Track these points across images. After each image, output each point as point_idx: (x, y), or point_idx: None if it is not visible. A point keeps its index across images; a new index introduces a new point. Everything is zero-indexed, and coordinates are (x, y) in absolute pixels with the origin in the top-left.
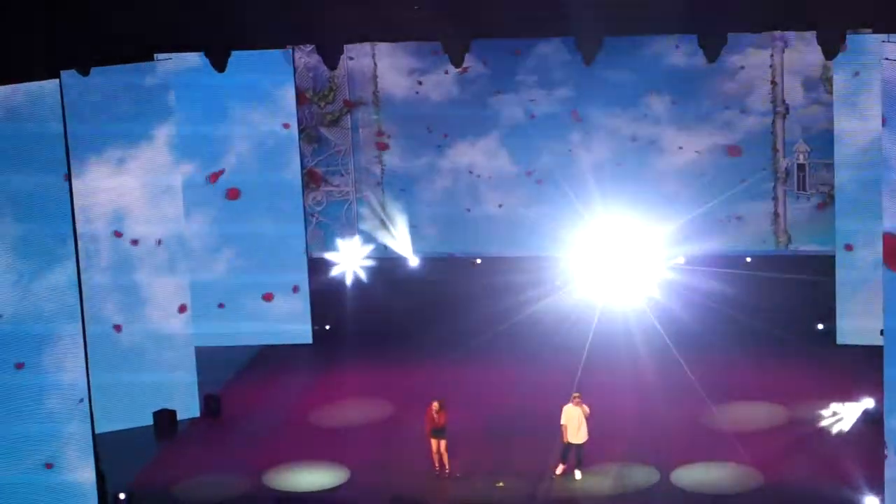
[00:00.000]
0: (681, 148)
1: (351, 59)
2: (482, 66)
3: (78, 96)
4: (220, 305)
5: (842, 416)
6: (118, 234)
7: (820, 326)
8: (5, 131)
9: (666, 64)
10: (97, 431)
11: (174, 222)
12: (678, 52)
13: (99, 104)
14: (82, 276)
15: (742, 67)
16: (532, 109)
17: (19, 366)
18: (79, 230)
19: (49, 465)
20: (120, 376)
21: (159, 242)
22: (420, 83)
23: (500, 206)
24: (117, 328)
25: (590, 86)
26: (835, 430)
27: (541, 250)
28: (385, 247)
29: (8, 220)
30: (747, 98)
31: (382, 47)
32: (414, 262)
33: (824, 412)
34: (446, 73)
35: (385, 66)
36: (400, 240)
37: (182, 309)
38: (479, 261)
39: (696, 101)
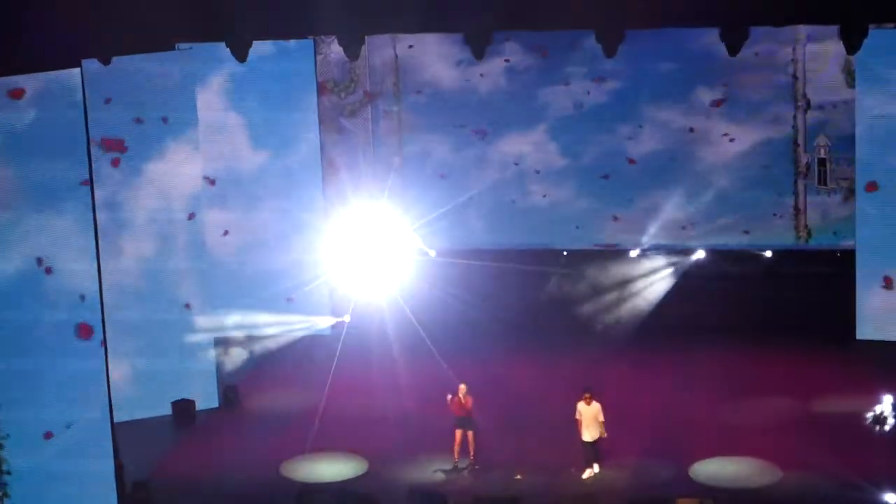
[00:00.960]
0: (732, 140)
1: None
2: (531, 58)
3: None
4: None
5: (885, 414)
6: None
7: (839, 322)
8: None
9: (717, 55)
10: (115, 420)
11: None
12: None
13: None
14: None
15: (793, 60)
16: (581, 101)
17: None
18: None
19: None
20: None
21: (225, 233)
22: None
23: (544, 196)
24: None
25: (640, 77)
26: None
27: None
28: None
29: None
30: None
31: (429, 38)
32: (432, 253)
33: (865, 412)
34: (507, 60)
35: (433, 57)
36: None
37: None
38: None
39: (747, 94)
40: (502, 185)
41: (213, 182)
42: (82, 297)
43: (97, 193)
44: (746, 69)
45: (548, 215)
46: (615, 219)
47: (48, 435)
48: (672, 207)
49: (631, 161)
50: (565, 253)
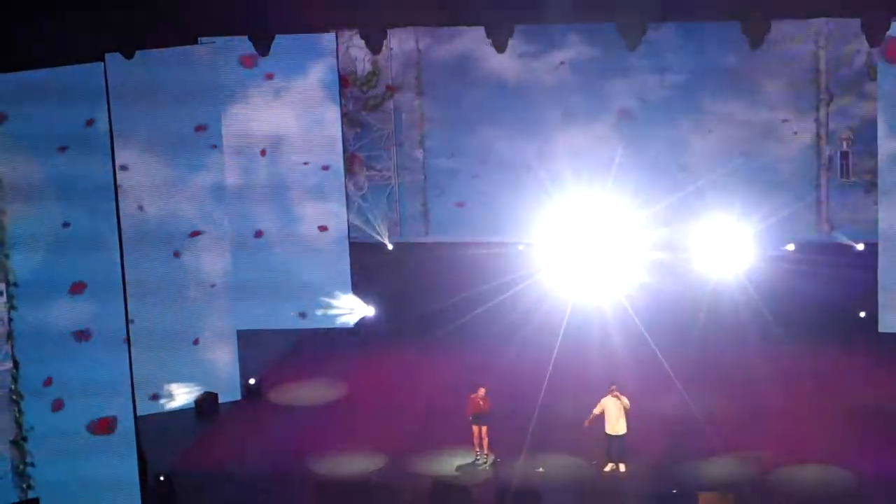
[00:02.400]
0: (795, 133)
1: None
2: (594, 51)
3: None
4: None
5: None
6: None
7: (862, 315)
8: None
9: (778, 49)
10: (139, 413)
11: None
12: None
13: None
14: None
15: (857, 51)
16: (644, 95)
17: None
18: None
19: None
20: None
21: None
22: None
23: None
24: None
25: (703, 71)
26: None
27: None
28: (426, 232)
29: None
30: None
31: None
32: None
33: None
34: (563, 61)
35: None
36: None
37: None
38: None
39: (809, 88)
40: None
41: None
42: None
43: None
44: (769, 63)
45: None
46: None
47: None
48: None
49: None
50: None
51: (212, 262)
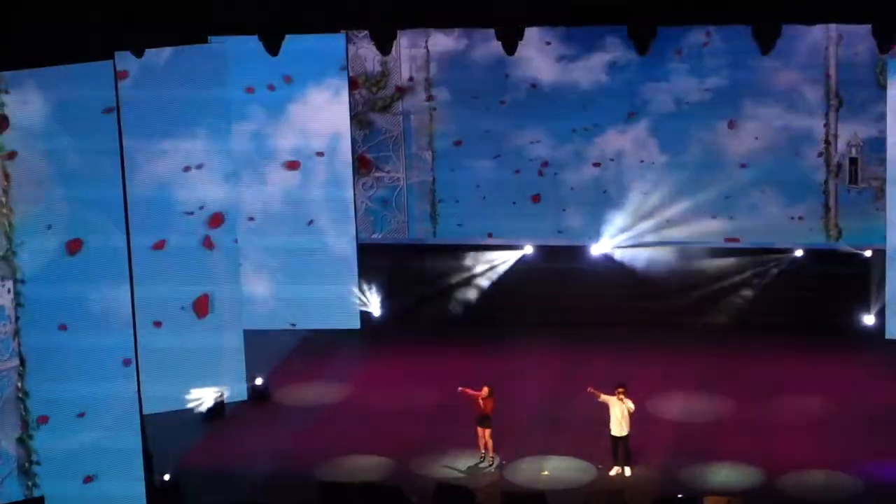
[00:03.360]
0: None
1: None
2: (633, 53)
3: None
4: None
5: None
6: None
7: (870, 321)
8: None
9: (821, 54)
10: (145, 412)
11: None
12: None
13: None
14: None
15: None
16: (683, 98)
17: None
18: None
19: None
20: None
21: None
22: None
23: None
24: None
25: (742, 75)
26: None
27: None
28: (434, 233)
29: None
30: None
31: (531, 33)
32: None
33: None
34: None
35: (533, 52)
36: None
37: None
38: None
39: (852, 92)
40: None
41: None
42: None
43: None
44: (778, 67)
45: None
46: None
47: (78, 425)
48: (704, 205)
49: None
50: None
51: (219, 260)
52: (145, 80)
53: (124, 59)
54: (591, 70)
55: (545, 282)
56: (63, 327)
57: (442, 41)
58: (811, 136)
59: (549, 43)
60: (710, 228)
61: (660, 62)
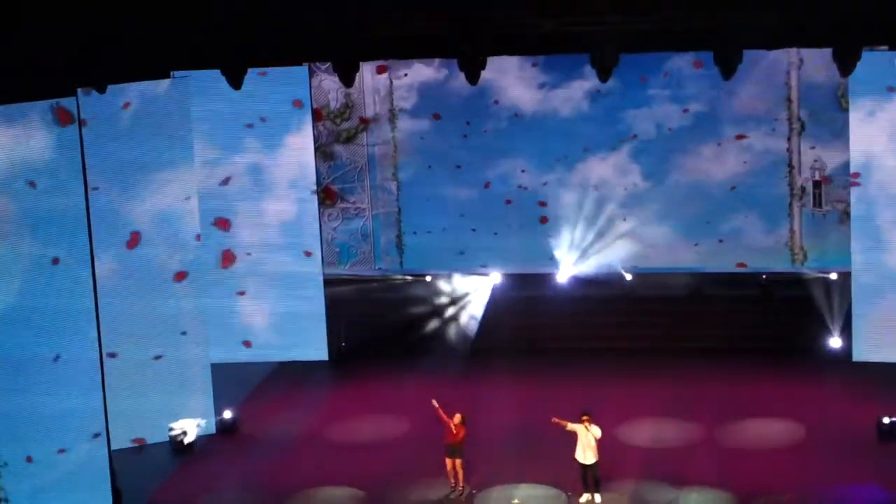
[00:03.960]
0: (815, 161)
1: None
2: (613, 81)
3: None
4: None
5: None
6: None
7: (836, 343)
8: None
9: (800, 79)
10: (112, 448)
11: None
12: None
13: None
14: None
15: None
16: (665, 125)
17: None
18: None
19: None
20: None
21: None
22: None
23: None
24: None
25: (722, 101)
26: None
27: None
28: (401, 263)
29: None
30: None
31: (510, 62)
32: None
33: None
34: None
35: (511, 80)
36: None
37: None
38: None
39: (830, 117)
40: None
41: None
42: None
43: None
44: (740, 92)
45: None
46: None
47: (46, 463)
48: (672, 230)
49: None
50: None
51: (184, 289)
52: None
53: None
54: (570, 98)
55: (515, 309)
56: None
57: (424, 71)
58: (776, 160)
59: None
60: (678, 253)
61: (640, 89)
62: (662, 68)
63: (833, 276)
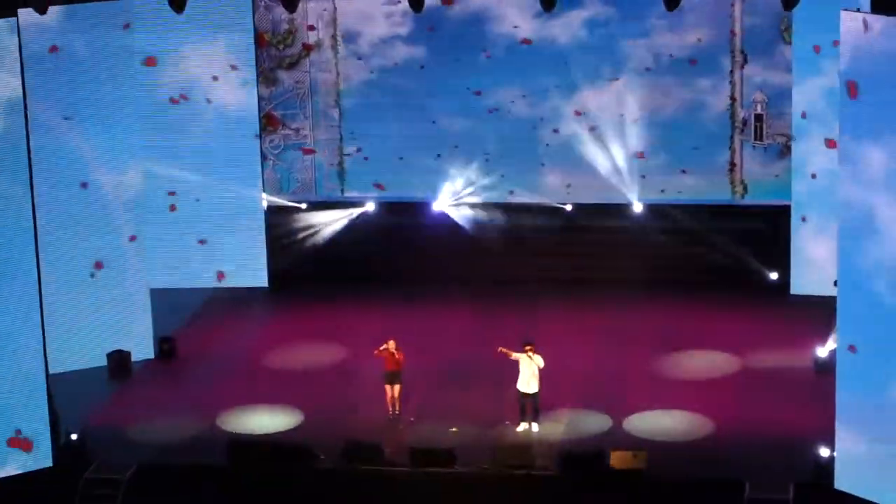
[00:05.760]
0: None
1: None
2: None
3: None
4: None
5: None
6: None
7: (774, 277)
8: None
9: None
10: (50, 372)
11: None
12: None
13: None
14: None
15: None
16: (664, 54)
17: None
18: None
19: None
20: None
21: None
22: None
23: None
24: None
25: (723, 30)
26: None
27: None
28: (342, 190)
29: None
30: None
31: None
32: (371, 206)
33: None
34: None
35: (508, 5)
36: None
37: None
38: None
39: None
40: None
41: None
42: None
43: None
44: (683, 24)
45: None
46: None
47: None
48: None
49: None
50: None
51: (125, 217)
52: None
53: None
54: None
55: (447, 239)
56: None
57: None
58: (717, 92)
59: None
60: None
61: (638, 18)
62: None
63: (772, 209)
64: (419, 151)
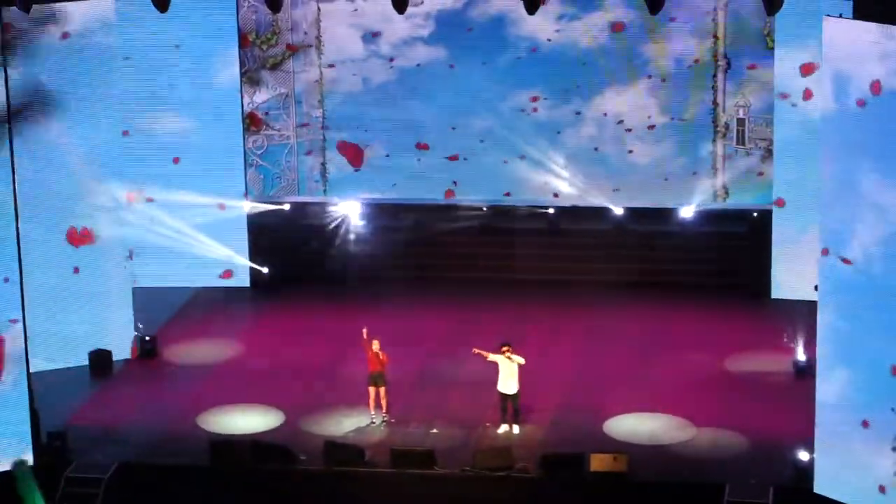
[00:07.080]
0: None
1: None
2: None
3: None
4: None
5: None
6: None
7: (755, 281)
8: None
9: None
10: (32, 370)
11: None
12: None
13: None
14: None
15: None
16: (683, 58)
17: None
18: None
19: None
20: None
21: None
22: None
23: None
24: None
25: (741, 35)
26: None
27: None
28: (325, 191)
29: None
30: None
31: None
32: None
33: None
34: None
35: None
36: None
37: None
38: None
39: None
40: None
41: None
42: None
43: None
44: (666, 29)
45: None
46: None
47: None
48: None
49: None
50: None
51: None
52: None
53: None
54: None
55: (430, 241)
56: None
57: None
58: (700, 96)
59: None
60: (597, 190)
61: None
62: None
63: (754, 214)
64: (401, 152)
